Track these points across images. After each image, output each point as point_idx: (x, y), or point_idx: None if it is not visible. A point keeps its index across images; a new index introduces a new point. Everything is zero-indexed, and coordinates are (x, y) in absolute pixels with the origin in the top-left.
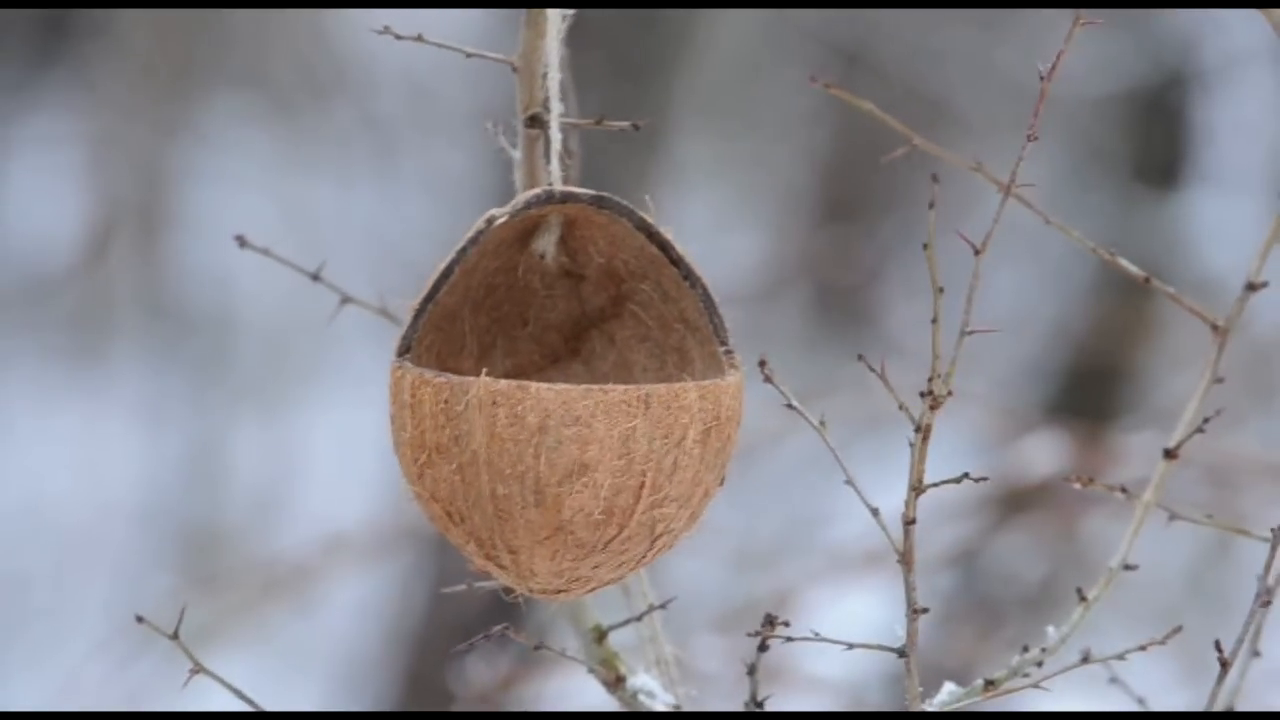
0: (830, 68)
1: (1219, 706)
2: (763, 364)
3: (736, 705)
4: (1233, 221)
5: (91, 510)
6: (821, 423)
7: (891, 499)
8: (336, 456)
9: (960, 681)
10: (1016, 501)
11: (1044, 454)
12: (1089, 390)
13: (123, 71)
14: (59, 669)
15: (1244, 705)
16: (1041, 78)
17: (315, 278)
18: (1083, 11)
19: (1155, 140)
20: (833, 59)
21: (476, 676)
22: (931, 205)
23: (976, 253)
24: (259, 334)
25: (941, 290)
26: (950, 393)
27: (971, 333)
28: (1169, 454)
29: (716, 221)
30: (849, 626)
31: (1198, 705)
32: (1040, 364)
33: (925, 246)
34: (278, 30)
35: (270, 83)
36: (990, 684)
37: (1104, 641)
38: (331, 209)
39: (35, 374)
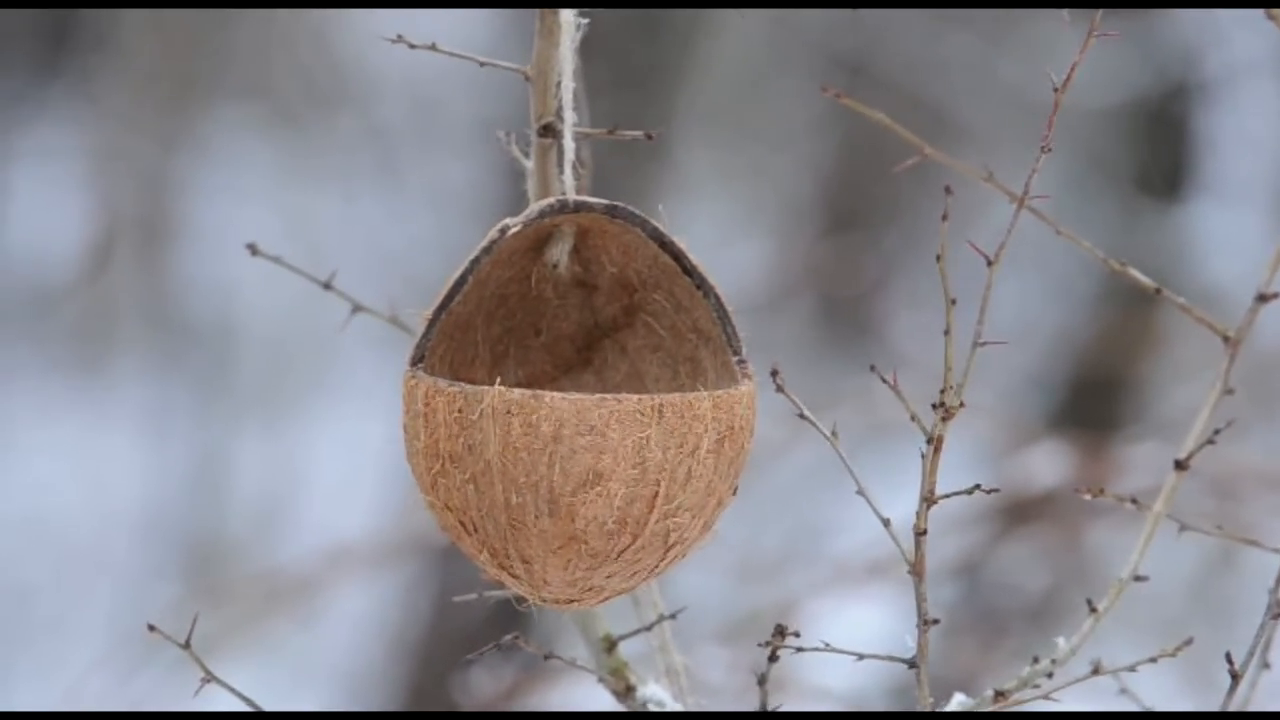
0: (833, 79)
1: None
2: (774, 374)
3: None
4: (1235, 233)
5: (95, 522)
6: (834, 433)
7: (896, 509)
8: (339, 468)
9: (965, 693)
10: (1019, 512)
11: (1047, 465)
12: (1092, 401)
13: (125, 83)
14: (62, 680)
15: None
16: (1055, 89)
17: (327, 286)
18: (1097, 15)
19: (1158, 151)
20: (835, 70)
21: (480, 687)
22: (945, 217)
23: (990, 263)
24: (262, 346)
25: (954, 301)
26: (963, 404)
27: (984, 344)
28: (1180, 465)
29: (720, 232)
30: (852, 637)
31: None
32: (1043, 374)
33: (938, 258)
34: (280, 41)
35: (272, 94)
36: (1001, 694)
37: (1106, 651)
38: (334, 221)
39: (38, 386)
